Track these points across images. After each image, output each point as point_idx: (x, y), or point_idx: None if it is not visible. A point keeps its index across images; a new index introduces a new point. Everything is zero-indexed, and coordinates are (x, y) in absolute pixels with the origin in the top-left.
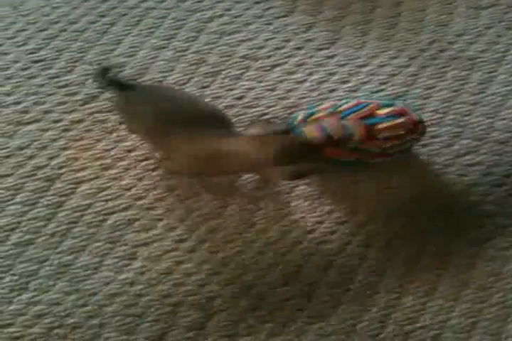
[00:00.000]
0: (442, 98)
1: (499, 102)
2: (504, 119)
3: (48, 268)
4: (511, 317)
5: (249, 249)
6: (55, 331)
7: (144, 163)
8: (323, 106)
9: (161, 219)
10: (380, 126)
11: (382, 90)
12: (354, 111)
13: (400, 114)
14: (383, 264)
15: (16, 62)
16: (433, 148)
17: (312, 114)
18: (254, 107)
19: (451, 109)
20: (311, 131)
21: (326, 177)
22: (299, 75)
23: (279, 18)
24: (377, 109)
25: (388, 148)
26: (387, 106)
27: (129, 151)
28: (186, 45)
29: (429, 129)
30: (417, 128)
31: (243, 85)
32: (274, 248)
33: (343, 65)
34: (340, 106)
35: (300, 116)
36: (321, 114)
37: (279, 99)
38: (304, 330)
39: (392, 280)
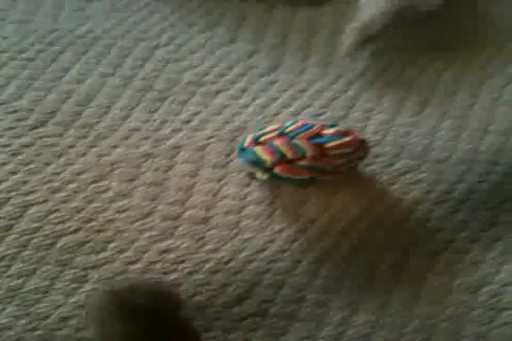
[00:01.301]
0: (381, 120)
1: (435, 123)
2: (440, 139)
3: None
4: (463, 331)
5: (200, 269)
6: None
7: (92, 185)
8: (271, 127)
9: (111, 241)
10: (329, 145)
11: (323, 113)
12: (302, 132)
13: (345, 133)
14: (335, 281)
15: None
16: (375, 167)
17: (260, 136)
18: (202, 130)
19: (390, 130)
20: (263, 153)
21: (276, 197)
22: (243, 100)
23: (222, 46)
24: (323, 129)
25: (339, 165)
26: (332, 126)
27: (78, 174)
28: (133, 72)
29: (371, 150)
30: (362, 146)
31: (189, 110)
32: (226, 268)
33: (285, 90)
34: (287, 127)
35: (248, 138)
36: (270, 136)
37: (224, 122)
38: None
39: (345, 298)
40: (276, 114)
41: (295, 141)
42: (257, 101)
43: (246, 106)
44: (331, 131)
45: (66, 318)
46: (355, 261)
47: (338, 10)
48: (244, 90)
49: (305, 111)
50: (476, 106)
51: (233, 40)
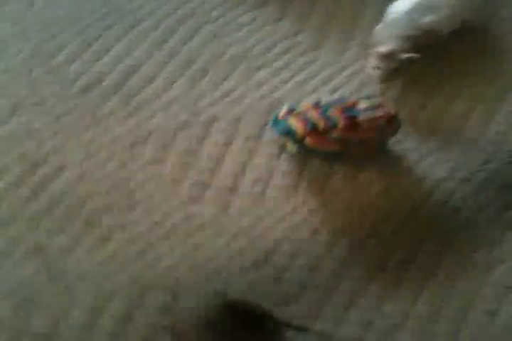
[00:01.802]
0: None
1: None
2: (474, 121)
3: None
4: (474, 308)
5: (222, 234)
6: None
7: (128, 151)
8: (305, 102)
9: (139, 204)
10: (361, 118)
11: (359, 90)
12: (336, 104)
13: (378, 107)
14: (352, 254)
15: None
16: (405, 146)
17: (295, 107)
18: (238, 103)
19: (424, 111)
20: (296, 123)
21: (303, 170)
22: (283, 76)
23: (267, 25)
24: (358, 103)
25: (369, 138)
26: (366, 100)
27: (115, 140)
28: (179, 47)
29: (404, 129)
30: (394, 121)
31: (230, 84)
32: (247, 234)
33: (324, 68)
34: (322, 101)
35: (284, 109)
36: (304, 108)
37: (262, 97)
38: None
39: (360, 270)
40: (314, 91)
41: (329, 112)
42: (296, 78)
43: (285, 82)
44: (364, 105)
45: (85, 274)
46: (375, 235)
47: None
48: (284, 67)
49: (342, 89)
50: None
51: (279, 19)
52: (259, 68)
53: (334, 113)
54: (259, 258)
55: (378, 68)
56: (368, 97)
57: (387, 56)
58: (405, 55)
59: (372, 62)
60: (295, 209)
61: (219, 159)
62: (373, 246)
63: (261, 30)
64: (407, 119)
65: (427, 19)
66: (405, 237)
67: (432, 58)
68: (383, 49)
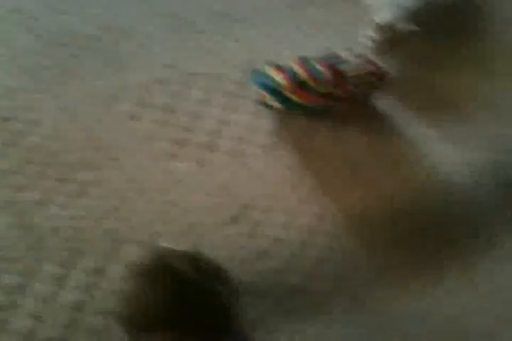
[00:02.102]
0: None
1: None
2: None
3: None
4: None
5: (199, 189)
6: None
7: (102, 107)
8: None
9: (114, 160)
10: (348, 69)
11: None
12: (323, 59)
13: (369, 62)
14: (326, 209)
15: None
16: (387, 102)
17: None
18: (220, 58)
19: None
20: (280, 77)
21: (285, 127)
22: (267, 30)
23: None
24: (347, 57)
25: (355, 94)
26: (356, 55)
27: (90, 95)
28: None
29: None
30: (382, 75)
31: (211, 39)
32: (223, 190)
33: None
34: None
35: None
36: (289, 61)
37: (244, 52)
38: (247, 269)
39: (334, 222)
40: (302, 47)
41: (315, 65)
42: (278, 32)
43: (269, 36)
44: (354, 58)
45: (58, 229)
46: (354, 189)
47: None
48: (268, 22)
49: (334, 47)
50: None
51: None
52: (235, 21)
53: (320, 67)
54: (234, 214)
55: (373, 41)
56: (358, 54)
57: (383, 28)
58: (406, 28)
59: (368, 31)
60: (273, 166)
61: (197, 116)
62: (346, 200)
63: None
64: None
65: None
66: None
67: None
68: (381, 20)
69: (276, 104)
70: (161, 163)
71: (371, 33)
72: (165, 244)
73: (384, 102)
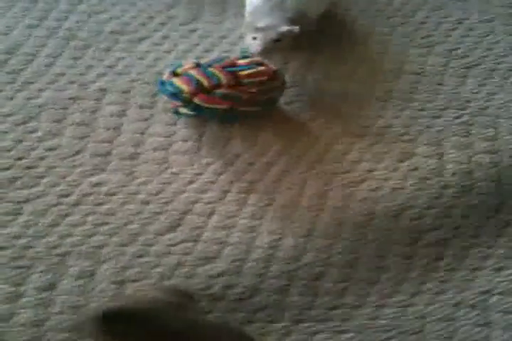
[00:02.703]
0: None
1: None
2: (357, 82)
3: None
4: (390, 252)
5: (132, 200)
6: None
7: (22, 126)
8: (186, 62)
9: (42, 177)
10: (243, 73)
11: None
12: (216, 62)
13: (259, 63)
14: (262, 209)
15: None
16: (297, 106)
17: (177, 68)
18: (126, 74)
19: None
20: (180, 83)
21: (202, 134)
22: (166, 46)
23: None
24: (237, 60)
25: (255, 95)
26: (245, 58)
27: (7, 116)
28: (58, 23)
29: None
30: (276, 76)
31: (114, 56)
32: (157, 198)
33: (205, 37)
34: (201, 61)
35: (166, 72)
36: (185, 67)
37: (148, 66)
38: (192, 274)
39: (272, 223)
40: (197, 59)
41: (210, 70)
42: (179, 47)
43: (168, 52)
44: (245, 60)
45: (1, 248)
46: (280, 188)
47: None
48: (165, 38)
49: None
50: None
51: None
52: (140, 40)
53: (215, 70)
54: (173, 220)
55: (254, 38)
56: (246, 56)
57: (263, 29)
58: (286, 28)
59: (250, 33)
60: (201, 172)
61: (116, 129)
62: (281, 196)
63: (135, 5)
64: (293, 81)
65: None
66: (311, 185)
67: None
68: (261, 24)
69: (188, 112)
70: (89, 176)
71: (254, 36)
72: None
73: (290, 106)
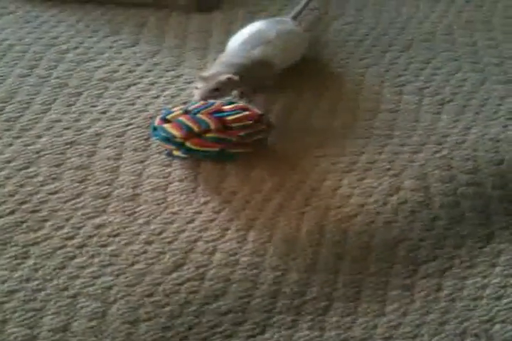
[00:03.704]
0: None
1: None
2: (339, 119)
3: None
4: (391, 284)
5: (136, 240)
6: None
7: (23, 171)
8: (175, 108)
9: (46, 220)
10: (230, 118)
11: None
12: (203, 108)
13: (243, 108)
14: (263, 245)
15: None
16: (284, 144)
17: (167, 114)
18: (119, 119)
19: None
20: (172, 128)
21: (197, 173)
22: (154, 92)
23: (127, 48)
24: (223, 106)
25: (243, 137)
26: (230, 103)
27: (8, 162)
28: (48, 72)
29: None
30: (261, 119)
31: (105, 102)
32: (160, 238)
33: (190, 82)
34: (190, 106)
35: (157, 118)
36: (175, 114)
37: (139, 111)
38: (200, 312)
39: (273, 259)
40: (185, 102)
41: (198, 116)
42: (166, 92)
43: (156, 97)
44: (229, 106)
45: (12, 292)
46: (278, 224)
47: (227, 15)
48: (152, 84)
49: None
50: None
51: (136, 42)
52: (128, 86)
53: (204, 116)
54: (177, 259)
55: (196, 88)
56: (232, 102)
57: (206, 78)
58: (224, 76)
59: (197, 83)
60: (200, 211)
61: (113, 171)
62: (281, 231)
63: (121, 54)
64: (278, 122)
65: (257, 50)
66: (308, 220)
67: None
68: (204, 73)
69: (181, 154)
70: (91, 218)
71: (198, 84)
72: None
73: (280, 145)
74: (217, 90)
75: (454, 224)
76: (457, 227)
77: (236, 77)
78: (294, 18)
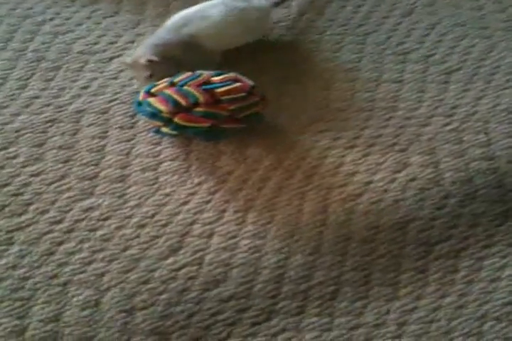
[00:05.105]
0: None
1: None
2: (338, 90)
3: None
4: (403, 266)
5: (127, 224)
6: None
7: (1, 152)
8: (160, 81)
9: (30, 204)
10: (220, 90)
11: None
12: (190, 80)
13: (234, 80)
14: (264, 227)
15: None
16: (282, 120)
17: (151, 87)
18: (102, 94)
19: (287, 87)
20: (158, 103)
21: (189, 152)
22: None
23: (106, 17)
24: (211, 78)
25: (235, 111)
26: (218, 74)
27: None
28: (24, 45)
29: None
30: (254, 91)
31: (86, 76)
32: (153, 221)
33: None
34: (175, 78)
35: (141, 92)
36: (160, 86)
37: (123, 86)
38: (200, 299)
39: (277, 242)
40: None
41: (186, 88)
42: None
43: None
44: (219, 77)
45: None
46: (278, 205)
47: None
48: None
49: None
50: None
51: (116, 12)
52: (110, 59)
53: (191, 89)
54: (173, 243)
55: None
56: (220, 73)
57: (130, 65)
58: (143, 59)
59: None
60: (194, 192)
61: (99, 151)
62: (280, 213)
63: (101, 24)
64: (271, 95)
65: (185, 29)
66: (310, 199)
67: None
68: (127, 59)
69: (169, 131)
70: (78, 200)
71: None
72: None
73: (277, 120)
74: (152, 76)
75: (468, 201)
76: (471, 205)
77: (155, 58)
78: None
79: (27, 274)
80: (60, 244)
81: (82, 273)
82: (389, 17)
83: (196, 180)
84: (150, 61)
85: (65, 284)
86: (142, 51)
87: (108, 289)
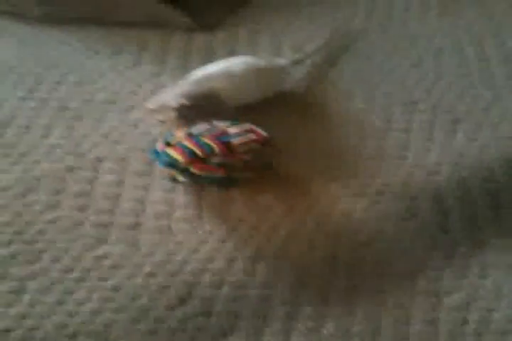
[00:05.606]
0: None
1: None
2: (347, 138)
3: None
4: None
5: (138, 273)
6: None
7: (21, 199)
8: (177, 132)
9: (44, 252)
10: (235, 142)
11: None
12: (207, 132)
13: (249, 131)
14: (273, 276)
15: None
16: (294, 167)
17: (169, 139)
18: (121, 142)
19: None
20: (175, 153)
21: (202, 199)
22: None
23: (128, 69)
24: (227, 129)
25: (249, 161)
26: (233, 125)
27: (5, 190)
28: (49, 95)
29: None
30: (268, 142)
31: (107, 125)
32: (163, 270)
33: None
34: (193, 129)
35: (159, 142)
36: (178, 138)
37: (142, 134)
38: None
39: (286, 292)
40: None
41: (202, 139)
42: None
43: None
44: (234, 129)
45: (8, 330)
46: (288, 255)
47: (230, 34)
48: None
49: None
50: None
51: (137, 64)
52: (131, 109)
53: (207, 140)
54: (182, 293)
55: (161, 122)
56: (235, 123)
57: (157, 111)
58: (174, 103)
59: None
60: (205, 240)
61: (115, 197)
62: (289, 267)
63: (123, 75)
64: (285, 144)
65: (206, 83)
66: (318, 248)
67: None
68: (150, 105)
69: (184, 179)
70: (92, 248)
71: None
72: None
73: (287, 168)
74: (183, 117)
75: (477, 250)
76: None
77: (186, 102)
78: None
79: (37, 324)
80: (71, 293)
81: (90, 323)
82: (398, 67)
83: (208, 228)
84: (181, 104)
85: (74, 335)
86: (169, 97)
87: (115, 340)
